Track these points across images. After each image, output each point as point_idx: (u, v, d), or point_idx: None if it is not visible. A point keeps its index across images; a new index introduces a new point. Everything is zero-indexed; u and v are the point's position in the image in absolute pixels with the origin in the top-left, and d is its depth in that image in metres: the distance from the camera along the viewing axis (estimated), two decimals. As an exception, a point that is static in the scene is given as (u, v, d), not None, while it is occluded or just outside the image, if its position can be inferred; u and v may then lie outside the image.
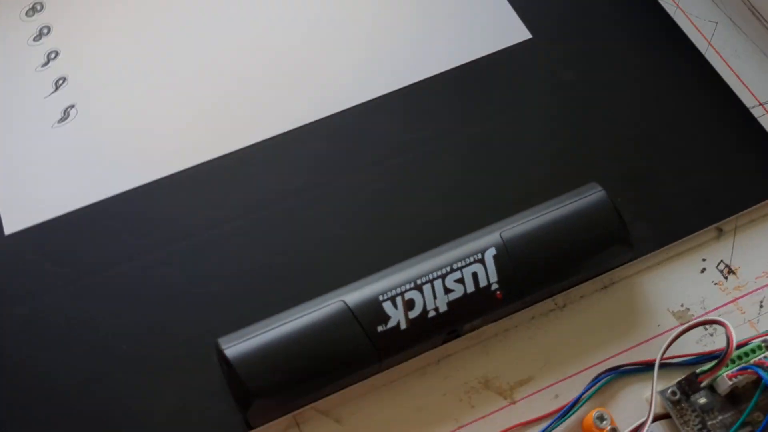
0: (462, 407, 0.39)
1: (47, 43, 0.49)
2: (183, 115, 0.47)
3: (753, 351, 0.38)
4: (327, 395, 0.39)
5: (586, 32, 0.49)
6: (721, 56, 0.49)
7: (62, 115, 0.46)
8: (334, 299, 0.38)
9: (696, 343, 0.40)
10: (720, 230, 0.44)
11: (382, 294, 0.38)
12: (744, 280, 0.42)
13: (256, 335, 0.38)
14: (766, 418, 0.36)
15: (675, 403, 0.38)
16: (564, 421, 0.38)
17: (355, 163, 0.45)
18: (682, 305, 0.42)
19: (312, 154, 0.45)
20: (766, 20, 0.49)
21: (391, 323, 0.38)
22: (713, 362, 0.37)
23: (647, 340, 0.41)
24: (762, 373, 0.36)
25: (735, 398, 0.38)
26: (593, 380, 0.39)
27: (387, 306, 0.38)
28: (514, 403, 0.39)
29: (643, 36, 0.49)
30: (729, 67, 0.48)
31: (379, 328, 0.38)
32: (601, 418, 0.37)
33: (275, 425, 0.38)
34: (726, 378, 0.37)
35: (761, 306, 0.42)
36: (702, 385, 0.37)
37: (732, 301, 0.42)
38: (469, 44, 0.48)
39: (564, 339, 0.41)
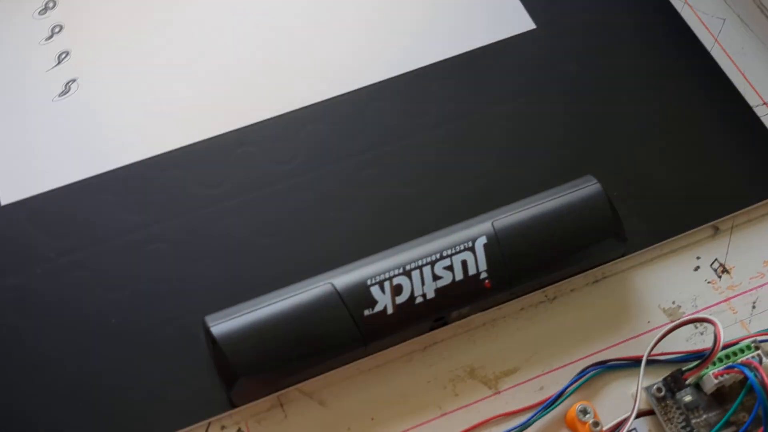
0: (446, 395, 0.39)
1: (52, 17, 0.49)
2: (181, 94, 0.47)
3: (742, 351, 0.37)
4: (312, 377, 0.39)
5: (590, 24, 0.49)
6: (727, 54, 0.48)
7: (63, 89, 0.47)
8: (322, 281, 0.38)
9: (686, 341, 0.40)
10: (716, 228, 0.43)
11: (371, 278, 0.38)
12: (738, 280, 0.42)
13: (243, 314, 0.38)
14: (749, 418, 0.36)
15: (660, 400, 0.37)
16: (548, 413, 0.38)
17: (351, 148, 0.45)
18: (673, 302, 0.41)
19: (309, 137, 0.45)
20: (775, 19, 0.49)
21: (378, 308, 0.38)
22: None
23: (636, 336, 0.40)
24: (748, 372, 0.35)
25: (721, 397, 0.37)
26: (579, 373, 0.39)
27: (375, 290, 0.38)
28: (498, 393, 0.39)
29: (648, 31, 0.49)
30: (735, 64, 0.48)
31: (366, 312, 0.38)
32: (584, 412, 0.37)
33: (259, 404, 0.39)
34: (712, 376, 0.36)
35: (754, 307, 0.41)
36: (687, 382, 0.37)
37: (724, 301, 0.41)
38: (471, 32, 0.48)
39: (552, 331, 0.40)
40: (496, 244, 0.39)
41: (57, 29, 0.49)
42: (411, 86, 0.47)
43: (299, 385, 0.39)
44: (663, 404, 0.37)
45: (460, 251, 0.39)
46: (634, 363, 0.39)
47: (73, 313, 0.40)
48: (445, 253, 0.39)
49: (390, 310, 0.38)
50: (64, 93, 0.47)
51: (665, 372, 0.38)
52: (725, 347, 0.37)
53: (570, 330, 0.40)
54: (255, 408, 0.39)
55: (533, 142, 0.45)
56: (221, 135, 0.45)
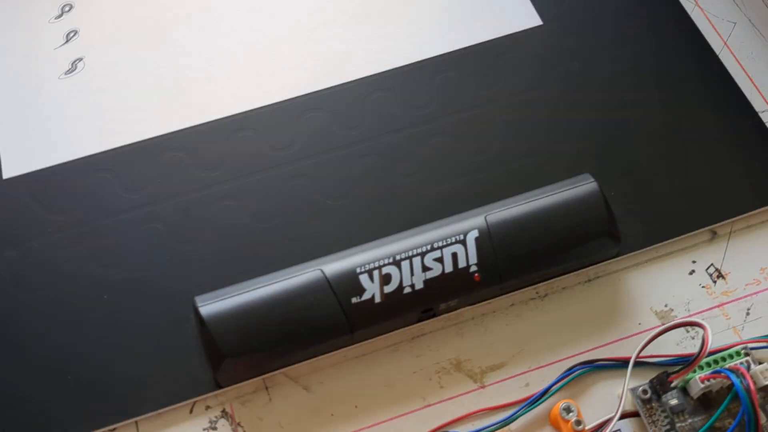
0: (431, 387, 0.39)
1: (63, -4, 0.50)
2: (184, 77, 0.47)
3: (731, 356, 0.37)
4: (298, 362, 0.39)
5: (598, 23, 0.48)
6: (736, 58, 0.47)
7: (70, 66, 0.47)
8: (312, 267, 0.38)
9: (676, 345, 0.40)
10: (714, 233, 0.43)
11: (360, 266, 0.38)
12: (733, 286, 0.41)
13: (232, 296, 0.38)
14: (733, 423, 0.35)
15: (645, 402, 0.37)
16: (532, 409, 0.38)
17: (350, 137, 0.45)
18: (666, 305, 0.41)
19: (309, 124, 0.45)
20: (787, 25, 0.48)
21: (366, 296, 0.38)
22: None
23: (626, 337, 0.40)
24: (734, 378, 0.35)
25: (707, 402, 0.37)
26: (565, 372, 0.39)
27: (363, 278, 0.38)
28: (483, 387, 0.39)
29: (656, 32, 0.48)
30: (743, 69, 0.47)
31: (354, 300, 0.38)
32: (567, 410, 0.37)
33: (244, 386, 0.39)
34: (698, 380, 0.36)
35: (748, 313, 0.41)
36: (672, 385, 0.37)
37: (718, 306, 0.41)
38: (477, 26, 0.48)
39: (541, 329, 0.40)
40: (487, 238, 0.39)
41: (67, 8, 0.49)
42: (414, 78, 0.47)
43: (285, 370, 0.39)
44: (648, 406, 0.37)
45: (451, 243, 0.39)
46: (622, 364, 0.39)
47: (66, 288, 0.41)
48: (435, 245, 0.39)
49: (378, 299, 0.38)
50: (70, 71, 0.47)
51: (653, 375, 0.38)
52: (715, 352, 0.37)
53: (559, 328, 0.40)
54: (240, 390, 0.39)
55: (533, 138, 0.45)
56: (222, 119, 0.45)
